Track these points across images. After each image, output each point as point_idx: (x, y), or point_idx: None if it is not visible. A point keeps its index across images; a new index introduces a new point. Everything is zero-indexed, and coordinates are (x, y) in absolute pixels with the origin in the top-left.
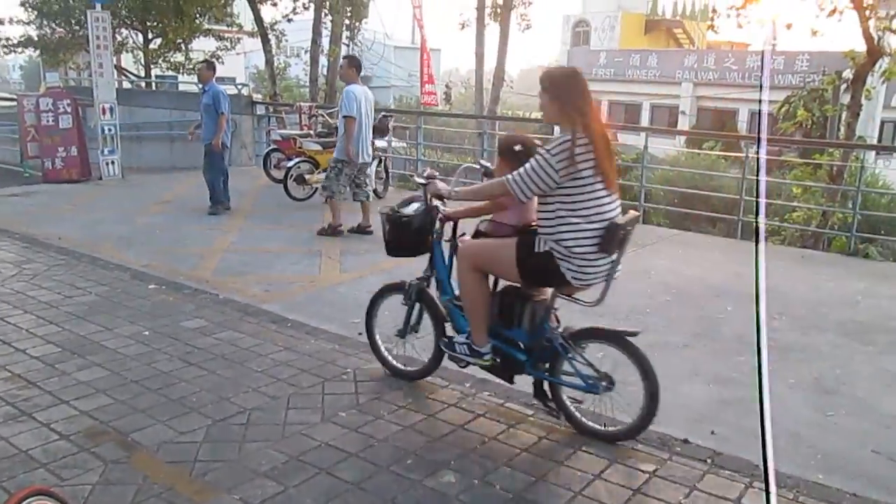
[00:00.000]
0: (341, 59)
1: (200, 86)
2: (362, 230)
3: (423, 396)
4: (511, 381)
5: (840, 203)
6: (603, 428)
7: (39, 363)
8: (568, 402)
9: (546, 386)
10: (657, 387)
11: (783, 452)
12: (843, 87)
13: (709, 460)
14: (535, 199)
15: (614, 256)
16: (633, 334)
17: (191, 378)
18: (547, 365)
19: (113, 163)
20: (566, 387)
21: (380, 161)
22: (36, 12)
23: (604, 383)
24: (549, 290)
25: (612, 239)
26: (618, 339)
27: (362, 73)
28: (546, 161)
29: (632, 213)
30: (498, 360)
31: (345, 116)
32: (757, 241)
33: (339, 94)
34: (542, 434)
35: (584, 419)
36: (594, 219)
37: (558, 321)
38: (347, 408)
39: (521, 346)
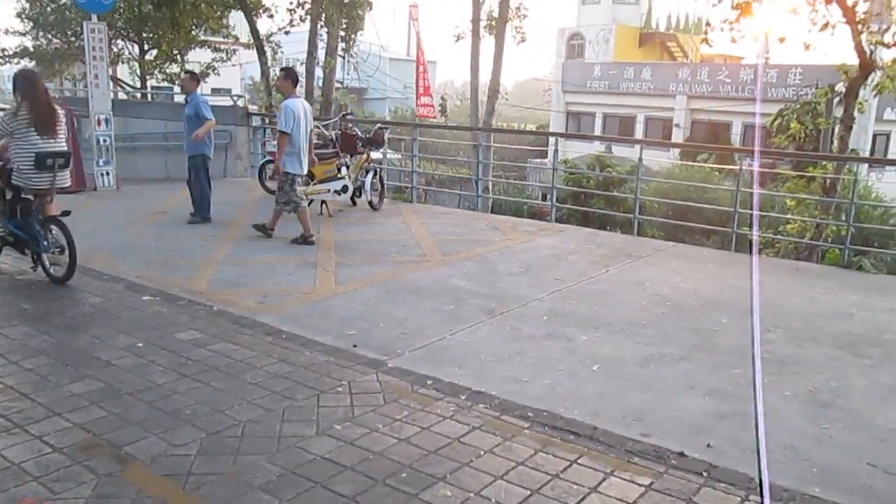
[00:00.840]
0: (278, 71)
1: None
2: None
3: (419, 409)
4: (24, 253)
5: (834, 216)
6: (55, 274)
7: (33, 375)
8: (48, 264)
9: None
10: (74, 250)
11: (779, 465)
12: (836, 100)
13: (705, 473)
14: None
15: (47, 174)
16: (65, 214)
17: (185, 390)
18: (37, 242)
19: (108, 174)
20: (41, 252)
21: (375, 173)
22: (32, 23)
23: (57, 248)
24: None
25: (40, 162)
26: (56, 221)
27: (359, 85)
28: (3, 119)
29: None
30: (11, 238)
31: (280, 132)
32: (751, 254)
33: (334, 106)
34: (537, 447)
35: (51, 271)
36: (29, 150)
37: (43, 216)
38: (342, 420)
39: (22, 230)
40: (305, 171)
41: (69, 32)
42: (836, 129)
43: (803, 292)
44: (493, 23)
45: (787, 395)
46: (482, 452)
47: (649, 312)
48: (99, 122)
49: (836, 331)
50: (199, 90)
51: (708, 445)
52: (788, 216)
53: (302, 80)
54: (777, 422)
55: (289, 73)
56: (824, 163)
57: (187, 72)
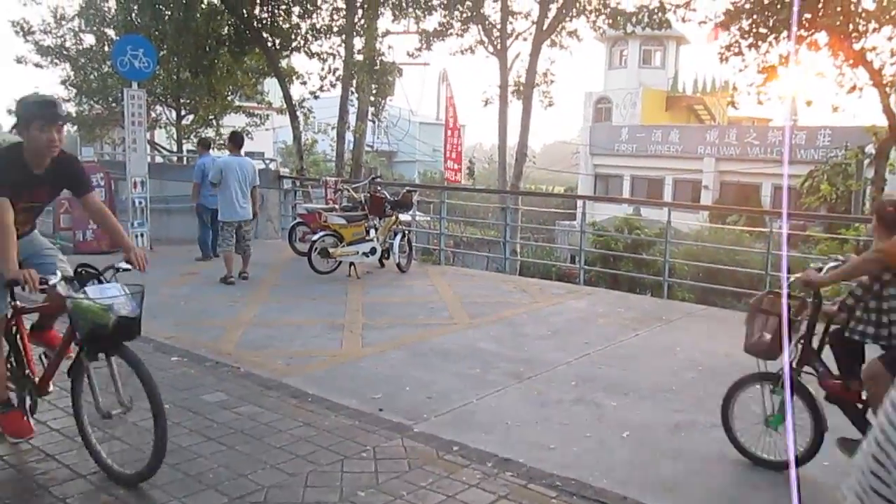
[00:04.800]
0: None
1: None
2: (240, 276)
3: (444, 476)
4: None
5: None
6: None
7: (59, 435)
8: None
9: None
10: None
11: None
12: (867, 161)
13: None
14: None
15: None
16: None
17: (209, 453)
18: None
19: (142, 235)
20: None
21: (403, 235)
22: (76, 90)
23: None
24: None
25: None
26: None
27: (389, 149)
28: None
29: None
30: None
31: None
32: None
33: (364, 170)
34: None
35: None
36: None
37: None
38: (366, 487)
39: None
40: (243, 217)
41: (110, 99)
42: (868, 191)
43: None
44: (521, 87)
45: (826, 464)
46: None
47: (680, 377)
48: (135, 185)
49: None
50: (210, 153)
51: None
52: None
53: (333, 143)
54: (816, 492)
55: (231, 138)
56: (857, 224)
57: (200, 139)
